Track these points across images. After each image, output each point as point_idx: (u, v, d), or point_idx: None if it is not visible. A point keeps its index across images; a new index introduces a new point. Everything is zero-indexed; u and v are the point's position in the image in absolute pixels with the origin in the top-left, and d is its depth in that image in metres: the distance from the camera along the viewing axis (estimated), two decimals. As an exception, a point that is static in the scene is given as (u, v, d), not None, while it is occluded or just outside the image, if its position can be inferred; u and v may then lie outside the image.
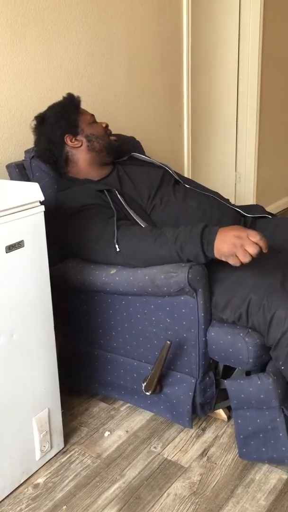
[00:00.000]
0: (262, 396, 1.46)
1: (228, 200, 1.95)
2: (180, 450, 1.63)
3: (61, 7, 2.05)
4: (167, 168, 1.89)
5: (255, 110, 3.33)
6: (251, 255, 1.39)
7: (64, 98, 1.81)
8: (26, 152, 1.86)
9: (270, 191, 3.76)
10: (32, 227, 1.37)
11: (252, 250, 1.38)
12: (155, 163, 1.92)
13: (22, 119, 1.97)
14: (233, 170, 3.52)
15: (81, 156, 1.79)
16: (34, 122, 1.81)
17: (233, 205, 1.91)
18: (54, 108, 1.79)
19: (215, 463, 1.57)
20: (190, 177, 2.63)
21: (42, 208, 1.39)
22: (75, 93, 1.84)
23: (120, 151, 1.88)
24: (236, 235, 1.40)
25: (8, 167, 1.82)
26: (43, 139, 1.78)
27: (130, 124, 2.39)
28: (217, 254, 1.43)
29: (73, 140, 1.77)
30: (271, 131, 3.59)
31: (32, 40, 1.96)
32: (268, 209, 2.06)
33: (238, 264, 1.40)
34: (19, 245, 1.34)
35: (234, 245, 1.39)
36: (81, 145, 1.78)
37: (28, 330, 1.43)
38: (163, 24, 2.56)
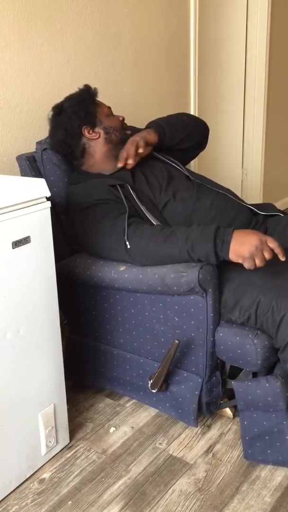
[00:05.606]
0: (269, 398, 1.45)
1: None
2: (185, 446, 1.63)
3: (68, 3, 2.04)
4: (177, 166, 1.86)
5: (262, 106, 3.31)
6: (265, 260, 1.43)
7: (81, 89, 1.79)
8: (38, 143, 1.84)
9: (277, 188, 3.74)
10: (39, 223, 1.38)
11: (269, 255, 1.43)
12: (166, 160, 1.90)
13: (29, 115, 1.97)
14: (239, 166, 3.51)
15: (98, 148, 1.77)
16: (51, 112, 1.78)
17: (246, 203, 1.89)
18: (72, 99, 1.76)
19: (220, 460, 1.57)
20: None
21: (49, 204, 1.39)
22: (82, 89, 1.83)
23: None
24: (258, 239, 1.43)
25: (18, 159, 1.79)
26: (60, 130, 1.75)
27: (136, 120, 2.38)
28: (233, 255, 1.44)
29: (91, 131, 1.75)
30: (278, 127, 3.57)
31: (39, 36, 1.95)
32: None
33: (252, 267, 1.43)
34: (25, 240, 1.34)
35: (256, 248, 1.41)
36: (99, 137, 1.76)
37: (34, 326, 1.43)
38: (170, 19, 2.54)
